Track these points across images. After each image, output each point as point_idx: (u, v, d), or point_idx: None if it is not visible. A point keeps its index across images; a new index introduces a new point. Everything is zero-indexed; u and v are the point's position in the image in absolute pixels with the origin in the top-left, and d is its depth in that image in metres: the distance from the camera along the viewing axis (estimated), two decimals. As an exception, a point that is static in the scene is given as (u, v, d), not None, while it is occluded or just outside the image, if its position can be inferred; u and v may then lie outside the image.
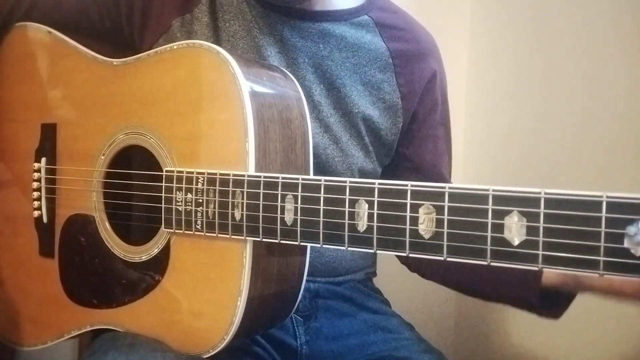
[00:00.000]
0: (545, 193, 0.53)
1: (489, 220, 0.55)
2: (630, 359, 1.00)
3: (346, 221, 0.64)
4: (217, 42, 0.92)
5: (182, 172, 0.77)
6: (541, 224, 0.53)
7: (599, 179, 1.04)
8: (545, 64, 1.22)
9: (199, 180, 0.75)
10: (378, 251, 0.63)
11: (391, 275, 1.12)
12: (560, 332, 1.12)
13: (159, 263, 0.81)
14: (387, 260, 1.12)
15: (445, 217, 0.58)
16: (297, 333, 0.96)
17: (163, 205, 0.78)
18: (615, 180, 1.01)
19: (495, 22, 1.42)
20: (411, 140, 1.02)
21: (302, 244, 0.68)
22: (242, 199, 0.71)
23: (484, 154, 1.43)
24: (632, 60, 1.01)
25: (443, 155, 1.06)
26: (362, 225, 0.63)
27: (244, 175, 0.71)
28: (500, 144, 1.39)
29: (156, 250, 0.81)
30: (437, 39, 1.04)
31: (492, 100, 1.43)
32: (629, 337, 0.99)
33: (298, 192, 0.67)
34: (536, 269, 0.54)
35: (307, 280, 0.94)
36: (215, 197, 0.73)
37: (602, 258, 0.50)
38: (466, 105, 1.49)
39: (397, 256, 1.08)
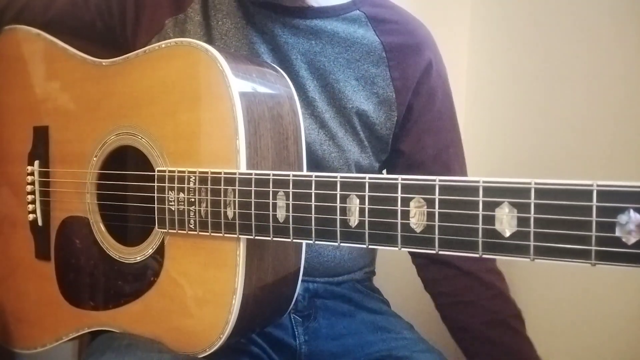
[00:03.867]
0: (536, 183, 0.52)
1: (480, 212, 0.55)
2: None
3: (338, 217, 0.63)
4: (210, 40, 0.92)
5: (173, 171, 0.76)
6: (532, 215, 0.52)
7: (599, 178, 1.03)
8: (545, 64, 1.21)
9: (191, 179, 0.74)
10: (370, 246, 0.62)
11: (390, 274, 1.12)
12: (560, 334, 1.12)
13: (154, 263, 0.81)
14: (386, 260, 1.11)
15: (436, 210, 0.57)
16: (296, 333, 0.96)
17: (156, 206, 0.78)
18: (615, 178, 1.00)
19: (495, 22, 1.42)
20: (409, 135, 1.00)
21: (294, 240, 0.68)
22: (234, 197, 0.71)
23: (484, 153, 1.42)
24: (631, 60, 1.00)
25: (449, 148, 1.03)
26: (353, 220, 0.63)
27: (235, 173, 0.71)
28: (500, 143, 1.38)
29: (150, 250, 0.81)
30: (437, 39, 1.03)
31: (492, 100, 1.42)
32: (630, 339, 0.98)
33: (289, 188, 0.67)
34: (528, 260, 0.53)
35: (306, 280, 0.94)
36: (207, 196, 0.73)
37: (593, 247, 0.50)
38: (466, 105, 1.48)
39: (415, 264, 1.07)
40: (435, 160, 1.01)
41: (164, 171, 0.77)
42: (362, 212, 0.62)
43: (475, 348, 0.99)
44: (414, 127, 1.00)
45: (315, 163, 0.93)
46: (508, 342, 0.94)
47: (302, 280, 0.84)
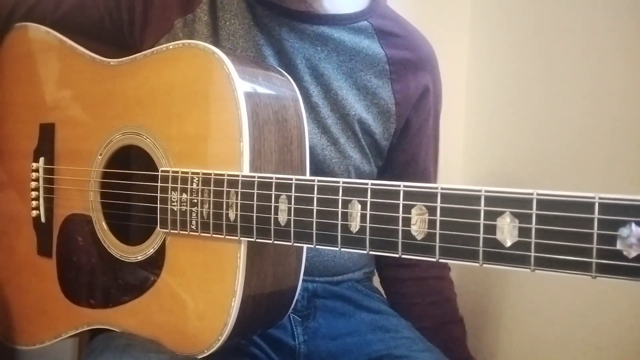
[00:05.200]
0: (538, 194, 0.52)
1: (481, 222, 0.55)
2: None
3: (339, 222, 0.64)
4: (217, 41, 0.93)
5: (177, 172, 0.76)
6: (533, 225, 0.52)
7: (600, 180, 1.03)
8: (545, 65, 1.21)
9: (194, 180, 0.75)
10: (371, 252, 0.62)
11: (391, 275, 1.12)
12: (559, 333, 1.12)
13: (155, 263, 0.81)
14: (386, 260, 1.11)
15: (438, 218, 0.57)
16: (295, 332, 0.96)
17: (158, 205, 0.78)
18: (615, 181, 1.00)
19: (495, 23, 1.42)
20: (405, 148, 1.02)
21: (295, 244, 0.68)
22: (236, 199, 0.71)
23: (484, 154, 1.42)
24: (631, 60, 1.00)
25: (434, 164, 1.08)
26: (355, 226, 0.63)
27: (238, 176, 0.71)
28: (500, 144, 1.38)
29: (152, 250, 0.81)
30: (436, 40, 1.04)
31: (492, 101, 1.42)
32: (628, 350, 0.99)
33: (291, 192, 0.67)
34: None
35: (305, 280, 0.94)
36: (209, 197, 0.73)
37: (594, 260, 0.50)
38: (466, 105, 1.48)
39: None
40: (423, 174, 1.06)
41: (168, 171, 0.78)
42: (363, 217, 0.62)
43: None
44: (411, 141, 1.02)
45: (317, 167, 0.94)
46: (442, 346, 0.98)
47: (302, 280, 0.85)
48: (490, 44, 1.43)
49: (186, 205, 0.76)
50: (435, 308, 1.06)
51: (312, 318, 0.98)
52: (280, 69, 0.88)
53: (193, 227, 0.75)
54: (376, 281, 1.14)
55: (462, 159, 1.44)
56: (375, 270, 1.13)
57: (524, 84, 1.28)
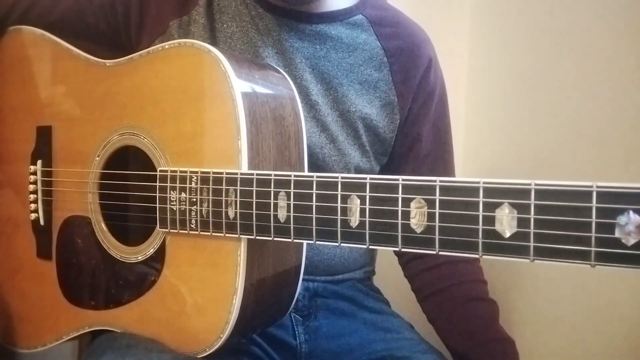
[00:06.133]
0: (536, 184, 0.53)
1: (480, 213, 0.55)
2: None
3: (338, 217, 0.64)
4: (214, 43, 0.92)
5: (175, 171, 0.76)
6: (532, 216, 0.52)
7: (598, 178, 1.04)
8: (545, 64, 1.22)
9: (193, 179, 0.75)
10: (371, 246, 0.63)
11: (390, 274, 1.12)
12: (560, 333, 1.12)
13: (155, 263, 0.81)
14: (386, 260, 1.12)
15: (437, 210, 0.58)
16: (297, 332, 0.96)
17: (157, 205, 0.78)
18: (615, 178, 1.00)
19: (495, 22, 1.42)
20: (407, 136, 1.01)
21: (295, 240, 0.68)
22: (236, 197, 0.71)
23: (484, 153, 1.43)
24: (630, 60, 1.01)
25: (445, 145, 1.05)
26: (354, 220, 0.63)
27: (236, 174, 0.71)
28: (500, 143, 1.38)
29: (151, 250, 0.81)
30: (437, 40, 1.04)
31: (492, 100, 1.43)
32: (630, 339, 0.98)
33: (290, 189, 0.67)
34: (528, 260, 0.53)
35: (306, 280, 0.95)
36: (209, 195, 0.73)
37: (593, 249, 0.50)
38: (466, 105, 1.49)
39: (400, 264, 1.09)
40: (435, 159, 1.03)
41: (166, 171, 0.78)
42: (362, 212, 0.62)
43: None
44: (413, 128, 1.01)
45: (316, 166, 0.94)
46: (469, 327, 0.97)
47: (303, 280, 0.85)
48: (490, 43, 1.43)
49: (185, 205, 0.76)
50: (455, 289, 1.00)
51: (313, 317, 0.98)
52: (276, 67, 0.88)
53: (193, 226, 0.75)
54: (376, 281, 1.14)
55: (462, 158, 1.44)
56: (374, 270, 1.13)
57: (522, 83, 1.29)
